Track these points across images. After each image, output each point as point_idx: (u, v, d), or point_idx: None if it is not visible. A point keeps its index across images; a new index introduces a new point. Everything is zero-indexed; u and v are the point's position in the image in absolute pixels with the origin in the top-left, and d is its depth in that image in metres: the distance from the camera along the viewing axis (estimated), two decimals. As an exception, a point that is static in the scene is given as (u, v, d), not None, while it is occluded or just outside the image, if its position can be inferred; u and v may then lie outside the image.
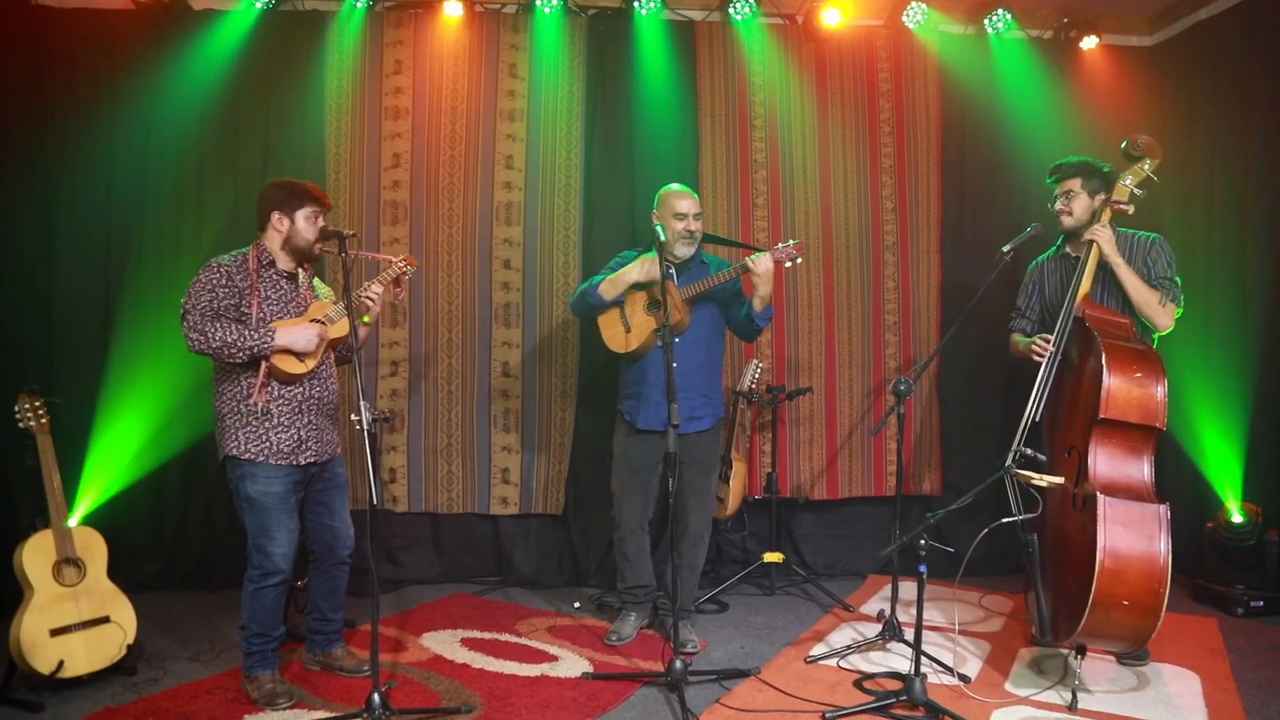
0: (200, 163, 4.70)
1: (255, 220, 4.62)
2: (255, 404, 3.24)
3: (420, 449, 4.87)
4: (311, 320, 3.34)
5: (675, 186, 3.94)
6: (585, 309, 3.93)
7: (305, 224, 3.35)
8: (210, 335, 3.14)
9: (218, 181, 4.70)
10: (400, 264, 3.49)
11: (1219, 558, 4.47)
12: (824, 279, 5.04)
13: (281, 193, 3.37)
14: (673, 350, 3.46)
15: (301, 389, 3.34)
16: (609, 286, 3.80)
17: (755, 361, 4.69)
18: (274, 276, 3.36)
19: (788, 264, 3.68)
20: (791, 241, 3.68)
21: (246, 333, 3.17)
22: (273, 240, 3.37)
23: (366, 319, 3.47)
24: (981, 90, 5.07)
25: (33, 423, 3.47)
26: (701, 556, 4.03)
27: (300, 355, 3.28)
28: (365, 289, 3.42)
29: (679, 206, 3.84)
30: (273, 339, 3.20)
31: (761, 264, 3.64)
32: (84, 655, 3.38)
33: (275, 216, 3.35)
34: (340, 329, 3.38)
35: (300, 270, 3.45)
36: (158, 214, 4.67)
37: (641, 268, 3.74)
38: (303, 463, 3.34)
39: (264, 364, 3.23)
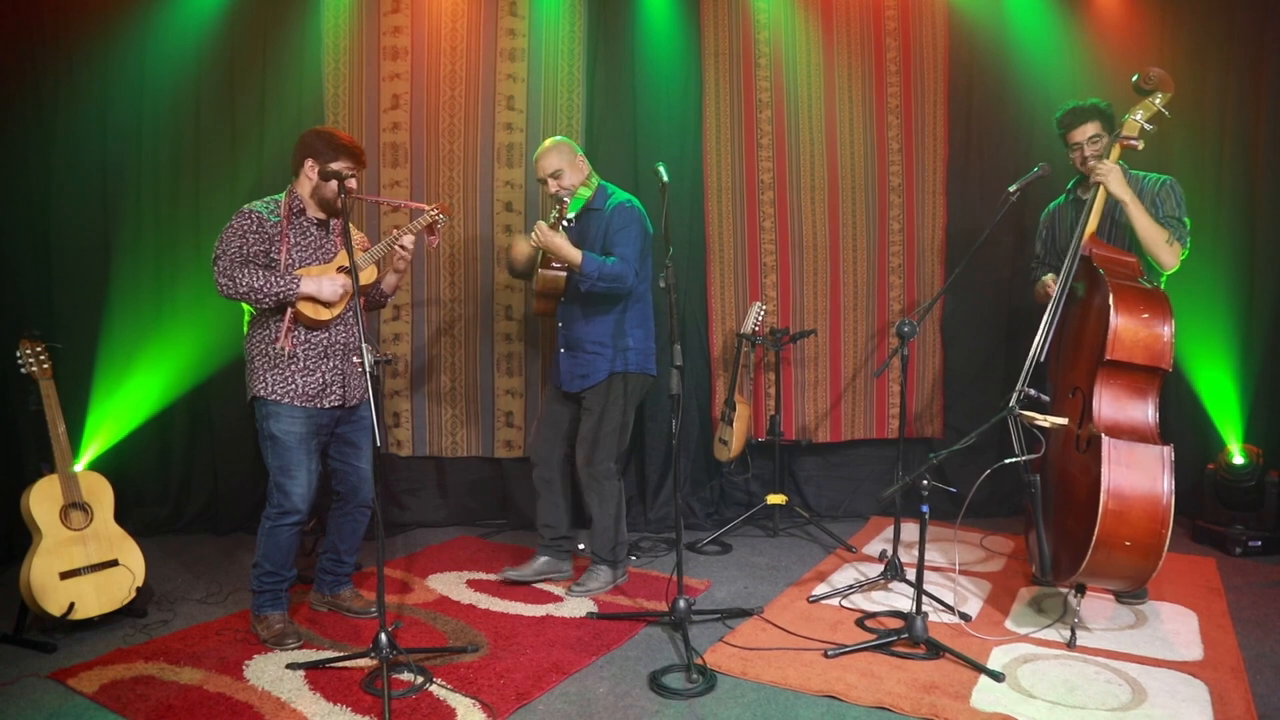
0: (196, 104, 4.63)
1: (255, 160, 4.62)
2: (282, 348, 3.28)
3: (424, 393, 4.88)
4: (338, 269, 3.35)
5: None
6: None
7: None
8: (238, 280, 3.17)
9: (214, 122, 4.64)
10: (433, 212, 3.49)
11: (1219, 499, 4.50)
12: (829, 220, 4.99)
13: (320, 142, 3.35)
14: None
15: (327, 334, 3.37)
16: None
17: (759, 304, 4.66)
18: (304, 224, 3.37)
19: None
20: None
21: (273, 279, 3.20)
22: (303, 187, 3.37)
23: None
24: (990, 28, 4.95)
25: (34, 368, 3.45)
26: (593, 500, 3.88)
27: (326, 302, 3.31)
28: (396, 239, 3.42)
29: None
30: (298, 287, 3.23)
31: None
32: (94, 597, 3.42)
33: (309, 164, 3.34)
34: (368, 275, 3.42)
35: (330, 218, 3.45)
36: (155, 155, 4.61)
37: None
38: (327, 406, 3.37)
39: (290, 310, 3.27)
